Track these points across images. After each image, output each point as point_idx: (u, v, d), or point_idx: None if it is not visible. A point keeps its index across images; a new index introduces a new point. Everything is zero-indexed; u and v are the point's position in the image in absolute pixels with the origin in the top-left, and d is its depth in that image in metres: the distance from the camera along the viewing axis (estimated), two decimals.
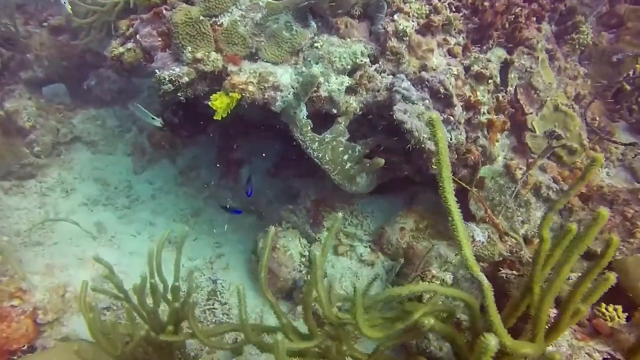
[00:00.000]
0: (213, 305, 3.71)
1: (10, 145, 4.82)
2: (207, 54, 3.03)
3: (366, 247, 3.61)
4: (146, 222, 4.80)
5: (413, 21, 3.08)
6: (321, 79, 2.91)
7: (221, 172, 5.17)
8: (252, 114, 3.43)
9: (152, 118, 3.70)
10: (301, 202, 3.95)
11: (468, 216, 3.26)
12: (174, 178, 5.29)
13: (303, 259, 3.72)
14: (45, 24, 6.15)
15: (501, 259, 2.72)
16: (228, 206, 3.78)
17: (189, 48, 3.01)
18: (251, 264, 4.15)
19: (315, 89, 2.94)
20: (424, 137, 2.89)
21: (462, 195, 3.38)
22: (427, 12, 3.12)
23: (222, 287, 3.93)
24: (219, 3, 2.98)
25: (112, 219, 4.81)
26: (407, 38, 2.99)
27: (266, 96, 2.95)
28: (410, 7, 3.08)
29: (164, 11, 3.13)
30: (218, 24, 3.04)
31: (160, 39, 3.14)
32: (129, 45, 3.29)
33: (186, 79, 3.04)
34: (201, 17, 3.00)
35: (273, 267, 3.68)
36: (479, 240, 2.86)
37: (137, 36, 3.20)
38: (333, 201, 3.97)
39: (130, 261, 4.28)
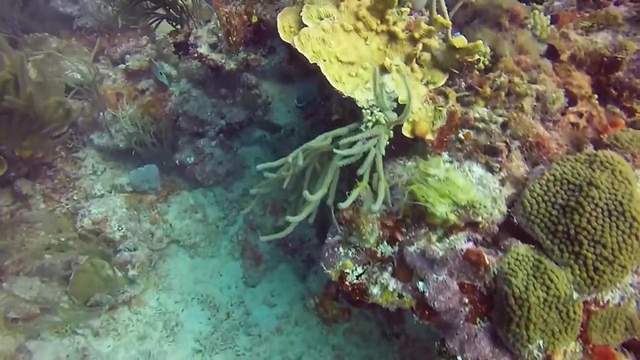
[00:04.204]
0: None
1: (101, 269, 3.32)
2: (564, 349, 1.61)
3: None
4: None
5: None
6: None
7: None
8: None
9: (161, 74, 3.76)
10: None
11: None
12: (302, 298, 3.88)
13: None
14: (122, 65, 4.40)
15: None
16: None
17: (539, 342, 1.57)
18: None
19: None
20: None
21: None
22: None
23: None
24: (615, 274, 1.51)
25: None
26: None
27: None
28: None
29: (487, 259, 1.64)
30: (600, 303, 1.59)
31: (467, 300, 1.67)
32: (388, 281, 1.79)
33: None
34: (574, 295, 1.55)
35: None
36: None
37: (419, 282, 1.71)
38: None
39: None
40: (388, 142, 1.96)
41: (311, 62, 2.01)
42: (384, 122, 1.92)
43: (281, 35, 2.12)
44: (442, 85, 2.10)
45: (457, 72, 2.10)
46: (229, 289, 3.89)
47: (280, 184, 2.17)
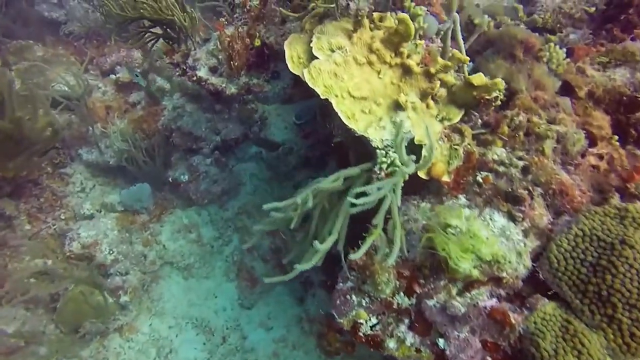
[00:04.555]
0: None
1: (91, 296, 3.14)
2: None
3: None
4: None
5: None
6: None
7: None
8: None
9: (136, 75, 3.55)
10: None
11: None
12: (299, 321, 3.76)
13: None
14: (112, 76, 4.21)
15: None
16: None
17: None
18: None
19: None
20: None
21: None
22: None
23: None
24: None
25: None
26: None
27: None
28: None
29: (512, 317, 1.55)
30: None
31: (490, 359, 1.58)
32: (405, 334, 1.69)
33: None
34: None
35: None
36: None
37: (439, 338, 1.61)
38: None
39: None
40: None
41: (322, 97, 1.89)
42: (399, 163, 1.81)
43: (289, 66, 2.00)
44: (457, 122, 2.01)
45: (473, 108, 2.01)
46: (224, 312, 3.75)
47: (287, 223, 2.05)
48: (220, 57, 2.55)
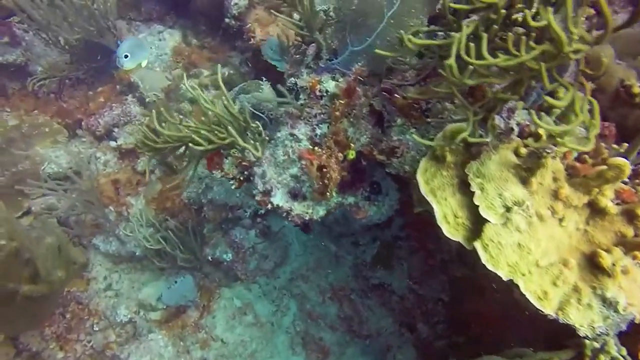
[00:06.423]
0: None
1: None
2: None
3: None
4: None
5: None
6: None
7: None
8: None
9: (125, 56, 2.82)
10: None
11: None
12: None
13: None
14: (113, 143, 3.43)
15: None
16: None
17: None
18: None
19: None
20: None
21: None
22: None
23: None
24: None
25: None
26: None
27: None
28: None
29: None
30: None
31: None
32: None
33: None
34: None
35: None
36: None
37: None
38: None
39: None
40: None
41: (505, 279, 1.37)
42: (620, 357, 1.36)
43: (445, 229, 1.44)
44: None
45: None
46: None
47: None
48: (296, 172, 1.92)
